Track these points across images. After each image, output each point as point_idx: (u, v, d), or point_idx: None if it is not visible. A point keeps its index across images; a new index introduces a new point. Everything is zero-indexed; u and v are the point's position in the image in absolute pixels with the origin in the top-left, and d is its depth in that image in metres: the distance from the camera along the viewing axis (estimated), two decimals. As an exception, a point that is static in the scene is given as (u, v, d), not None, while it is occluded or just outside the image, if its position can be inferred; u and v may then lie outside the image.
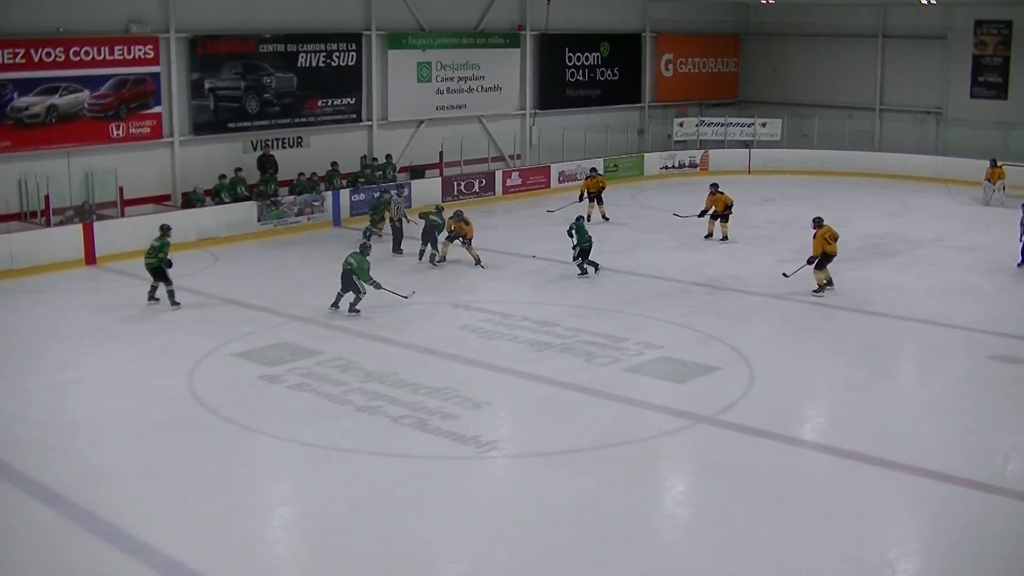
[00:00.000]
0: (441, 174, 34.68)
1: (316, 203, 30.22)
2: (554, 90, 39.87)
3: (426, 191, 32.99)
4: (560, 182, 37.14)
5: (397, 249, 26.91)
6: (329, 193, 30.69)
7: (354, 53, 33.08)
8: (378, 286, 21.09)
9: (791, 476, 13.81)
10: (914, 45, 42.80)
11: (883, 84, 43.97)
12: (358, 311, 21.07)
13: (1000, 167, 35.13)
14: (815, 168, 40.89)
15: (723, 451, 14.50)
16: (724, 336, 19.67)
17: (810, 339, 20.02)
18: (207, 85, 29.73)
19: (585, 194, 31.28)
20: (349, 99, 33.19)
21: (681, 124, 42.76)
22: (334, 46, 32.53)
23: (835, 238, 23.40)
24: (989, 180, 35.13)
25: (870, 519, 12.42)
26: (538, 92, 39.34)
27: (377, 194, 29.65)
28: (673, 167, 40.54)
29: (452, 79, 36.17)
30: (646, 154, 40.75)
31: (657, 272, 24.26)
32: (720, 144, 42.54)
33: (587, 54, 40.93)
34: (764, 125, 42.97)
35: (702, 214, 28.88)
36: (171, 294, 21.51)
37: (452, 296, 22.64)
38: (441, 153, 35.17)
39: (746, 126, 43.07)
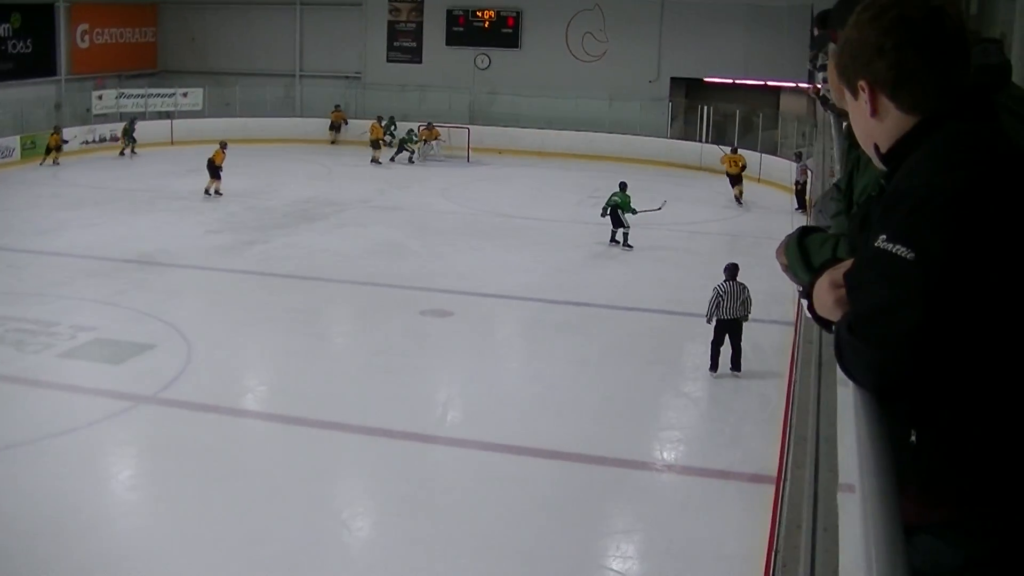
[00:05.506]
0: None
1: None
2: (-42, 64, 37.33)
3: None
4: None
5: None
6: None
7: None
8: (634, 211, 25.11)
9: (237, 447, 14.10)
10: (332, 12, 44.27)
11: (303, 51, 45.07)
12: (631, 246, 24.79)
13: (434, 127, 38.84)
14: (238, 136, 40.71)
15: (167, 430, 14.53)
16: (158, 312, 19.54)
17: (244, 308, 20.36)
18: None
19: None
20: None
21: (100, 97, 41.47)
22: None
23: (732, 162, 31.87)
24: (425, 140, 38.72)
25: (320, 482, 12.98)
26: (-61, 66, 36.75)
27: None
28: (94, 141, 39.27)
29: None
30: (65, 129, 39.18)
31: (84, 251, 23.68)
32: (142, 116, 41.65)
33: (-4, 26, 38.68)
34: (185, 95, 42.82)
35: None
36: None
37: None
38: None
39: (167, 96, 42.66)
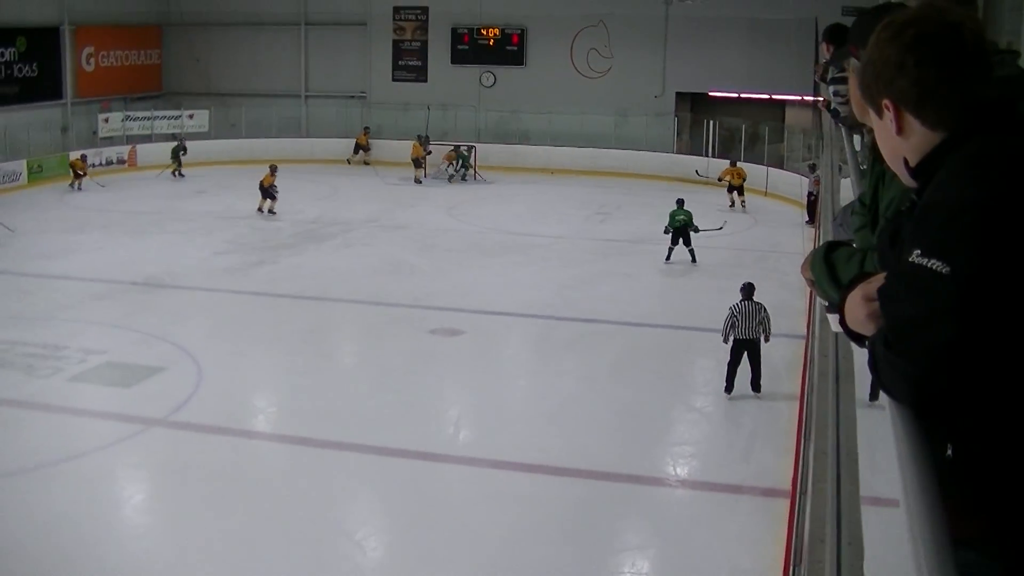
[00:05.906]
0: None
1: None
2: (-34, 89, 37.37)
3: None
4: (-17, 187, 35.04)
5: None
6: None
7: None
8: (697, 229, 25.09)
9: (248, 469, 14.02)
10: (336, 32, 44.23)
11: (308, 71, 45.10)
12: (696, 261, 24.93)
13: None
14: (244, 157, 40.81)
15: (178, 453, 14.46)
16: (166, 334, 19.50)
17: (253, 329, 20.34)
18: None
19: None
20: None
21: (107, 120, 41.53)
22: None
23: (736, 174, 33.00)
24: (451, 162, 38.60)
25: (332, 503, 12.93)
26: (-52, 92, 36.79)
27: None
28: (101, 164, 39.27)
29: None
30: (72, 152, 39.22)
31: (92, 274, 23.69)
32: (148, 138, 41.83)
33: (2, 49, 38.65)
34: (191, 117, 42.88)
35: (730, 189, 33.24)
36: None
37: None
38: None
39: (173, 118, 42.73)
